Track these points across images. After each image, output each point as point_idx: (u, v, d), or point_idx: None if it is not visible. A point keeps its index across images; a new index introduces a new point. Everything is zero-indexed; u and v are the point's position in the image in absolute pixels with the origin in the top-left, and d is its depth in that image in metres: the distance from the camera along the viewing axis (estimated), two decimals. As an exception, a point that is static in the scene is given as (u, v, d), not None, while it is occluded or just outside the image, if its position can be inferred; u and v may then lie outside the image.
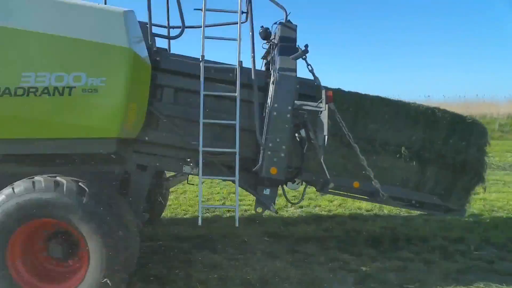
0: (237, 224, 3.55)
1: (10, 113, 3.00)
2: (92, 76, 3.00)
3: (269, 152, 3.41)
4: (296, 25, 3.89)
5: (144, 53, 3.35)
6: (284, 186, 3.98)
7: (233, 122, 3.42)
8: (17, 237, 3.07)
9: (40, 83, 2.96)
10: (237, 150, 3.39)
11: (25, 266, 3.18)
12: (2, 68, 2.98)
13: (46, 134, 3.08)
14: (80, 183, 3.04)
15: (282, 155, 3.41)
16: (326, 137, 3.33)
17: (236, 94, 3.44)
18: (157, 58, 3.57)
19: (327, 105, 3.33)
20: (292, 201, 4.31)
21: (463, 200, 3.93)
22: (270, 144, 3.40)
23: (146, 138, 3.56)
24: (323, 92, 3.39)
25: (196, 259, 4.30)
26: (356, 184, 3.75)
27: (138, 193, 3.62)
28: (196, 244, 4.76)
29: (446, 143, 3.73)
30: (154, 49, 3.62)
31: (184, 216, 6.12)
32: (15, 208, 2.95)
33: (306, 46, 3.58)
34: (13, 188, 3.00)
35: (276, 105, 3.41)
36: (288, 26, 3.84)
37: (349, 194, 4.07)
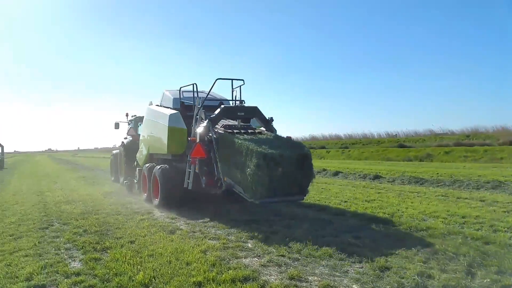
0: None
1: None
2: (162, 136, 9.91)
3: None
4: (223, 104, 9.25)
5: (182, 125, 9.22)
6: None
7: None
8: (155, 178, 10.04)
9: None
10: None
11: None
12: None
13: (161, 151, 10.22)
14: (163, 167, 9.69)
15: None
16: (214, 159, 8.04)
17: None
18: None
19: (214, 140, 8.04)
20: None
21: (256, 194, 6.82)
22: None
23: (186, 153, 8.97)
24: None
25: None
26: (225, 178, 7.61)
27: (192, 174, 8.51)
28: None
29: (246, 162, 6.98)
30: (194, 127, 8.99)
31: None
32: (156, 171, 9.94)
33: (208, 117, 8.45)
34: (157, 167, 9.90)
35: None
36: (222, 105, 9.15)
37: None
